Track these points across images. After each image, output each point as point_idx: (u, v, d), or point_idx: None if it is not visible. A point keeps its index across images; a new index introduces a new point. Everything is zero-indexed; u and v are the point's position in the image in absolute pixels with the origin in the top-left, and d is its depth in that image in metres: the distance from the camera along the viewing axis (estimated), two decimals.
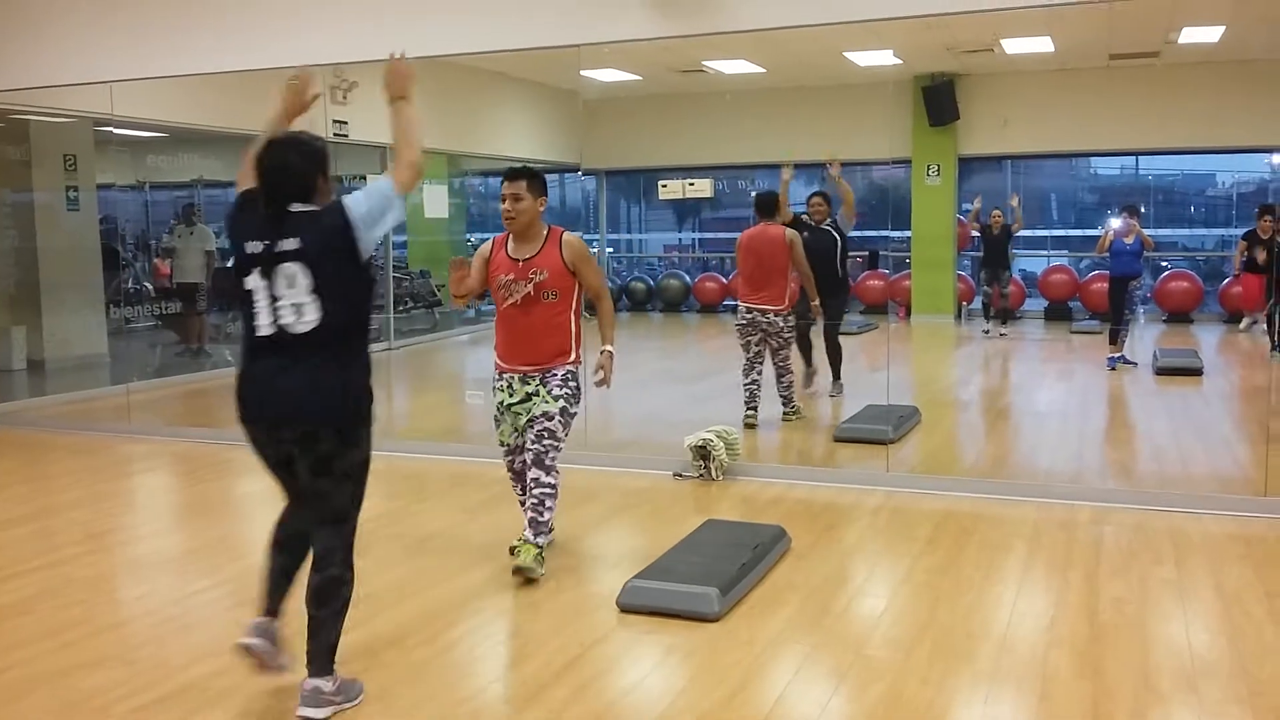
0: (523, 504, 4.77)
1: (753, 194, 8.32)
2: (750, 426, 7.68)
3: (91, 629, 4.16)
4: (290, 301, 3.27)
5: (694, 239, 19.20)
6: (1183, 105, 13.14)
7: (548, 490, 4.62)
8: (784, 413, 7.95)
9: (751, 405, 7.80)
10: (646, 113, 14.80)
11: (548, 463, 4.60)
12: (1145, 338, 12.47)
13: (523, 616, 4.31)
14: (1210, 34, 10.95)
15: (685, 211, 18.85)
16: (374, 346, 12.44)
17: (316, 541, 3.42)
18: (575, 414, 4.71)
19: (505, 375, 4.69)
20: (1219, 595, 4.37)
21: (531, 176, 4.62)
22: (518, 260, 4.64)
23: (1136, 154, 15.78)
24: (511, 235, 4.67)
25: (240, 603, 4.45)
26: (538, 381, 4.62)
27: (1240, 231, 13.36)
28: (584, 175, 15.54)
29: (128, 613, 4.44)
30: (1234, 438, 7.68)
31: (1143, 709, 3.38)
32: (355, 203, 3.32)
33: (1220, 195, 17.52)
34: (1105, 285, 10.90)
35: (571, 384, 4.66)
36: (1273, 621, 4.08)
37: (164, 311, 12.45)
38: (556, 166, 15.97)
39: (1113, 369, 10.30)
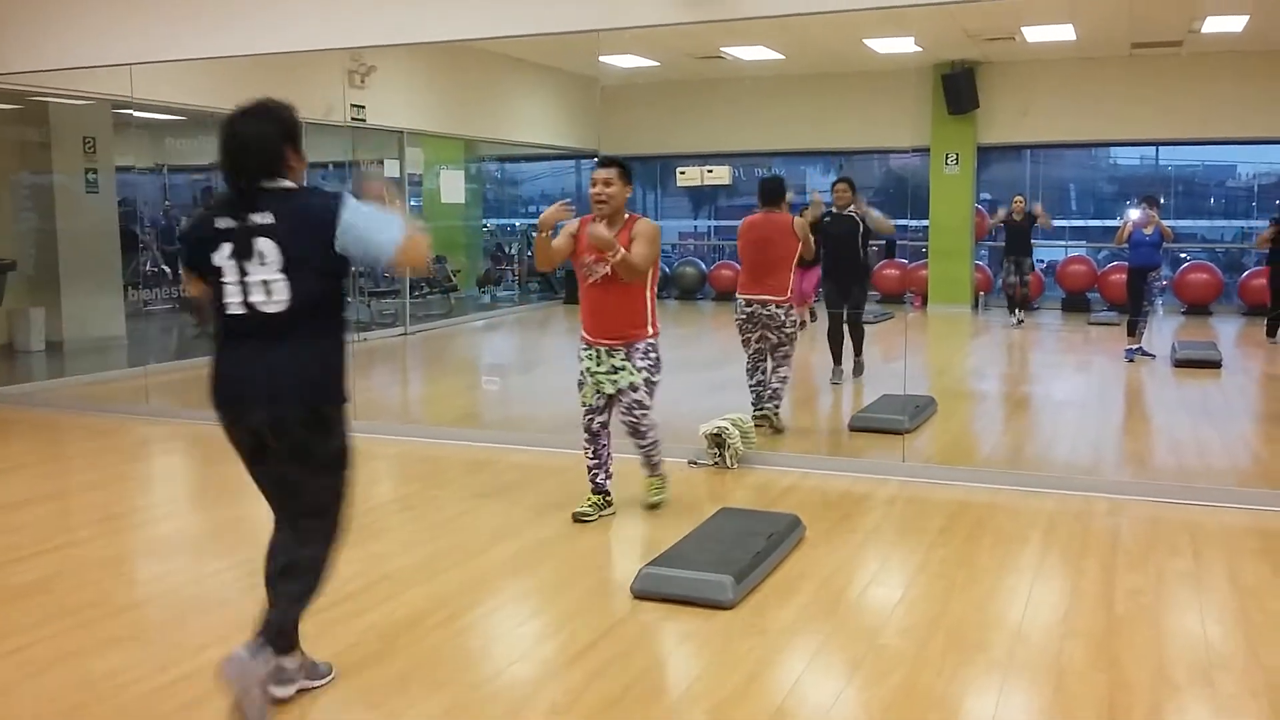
0: (591, 468, 5.34)
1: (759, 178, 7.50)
2: (760, 425, 7.29)
3: (108, 609, 4.19)
4: (260, 279, 3.10)
5: (710, 226, 19.14)
6: (1205, 96, 13.04)
7: (648, 447, 5.32)
8: (762, 409, 7.15)
9: (759, 406, 7.53)
10: (664, 99, 14.75)
11: (642, 429, 5.22)
12: (1164, 330, 12.41)
13: (538, 602, 4.32)
14: (1234, 24, 10.87)
15: (701, 199, 18.80)
16: (388, 332, 12.33)
17: (300, 530, 3.29)
18: (658, 382, 5.21)
19: (593, 346, 5.16)
20: (1235, 588, 4.35)
21: (622, 166, 5.07)
22: None
23: (1157, 144, 15.66)
24: (598, 219, 5.05)
25: (257, 584, 4.47)
26: (622, 355, 5.11)
27: (1261, 223, 13.23)
28: None
29: (144, 593, 4.47)
30: (1252, 431, 7.64)
31: (1158, 701, 3.37)
32: (354, 214, 3.11)
33: (1240, 187, 17.39)
34: (1124, 276, 10.85)
35: (653, 355, 5.17)
36: None
37: (182, 294, 12.51)
38: (573, 152, 15.99)
39: (1131, 361, 10.25)
